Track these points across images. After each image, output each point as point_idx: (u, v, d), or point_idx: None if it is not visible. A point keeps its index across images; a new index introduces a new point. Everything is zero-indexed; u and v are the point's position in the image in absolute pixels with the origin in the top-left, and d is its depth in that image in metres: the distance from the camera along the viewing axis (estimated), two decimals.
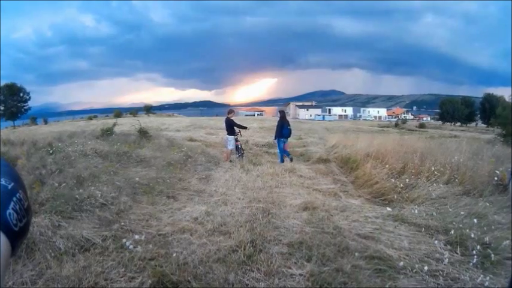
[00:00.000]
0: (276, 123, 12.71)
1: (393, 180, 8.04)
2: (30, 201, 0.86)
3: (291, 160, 12.24)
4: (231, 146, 12.94)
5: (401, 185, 7.61)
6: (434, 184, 7.70)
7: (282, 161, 12.41)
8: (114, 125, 15.41)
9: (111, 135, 13.82)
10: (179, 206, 6.50)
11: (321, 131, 35.70)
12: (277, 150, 13.33)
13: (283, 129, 12.37)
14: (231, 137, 12.90)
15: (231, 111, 13.51)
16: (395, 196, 7.29)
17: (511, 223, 5.26)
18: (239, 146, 13.29)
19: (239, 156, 13.07)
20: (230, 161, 12.60)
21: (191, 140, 20.29)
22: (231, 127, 12.85)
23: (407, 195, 7.30)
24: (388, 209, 6.34)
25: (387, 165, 9.15)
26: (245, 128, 13.70)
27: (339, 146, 16.03)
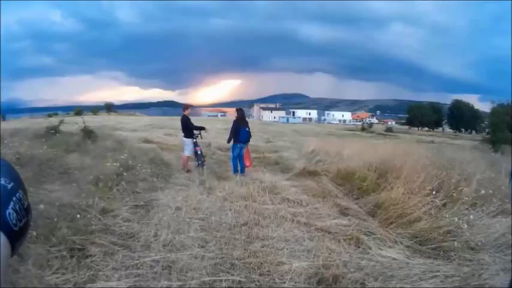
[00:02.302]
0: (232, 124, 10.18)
1: (446, 215, 5.25)
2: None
3: (241, 172, 9.88)
4: (188, 151, 10.40)
5: (465, 223, 4.89)
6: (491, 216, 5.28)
7: (236, 170, 9.92)
8: (61, 122, 13.21)
9: (55, 135, 11.87)
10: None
11: (291, 134, 34.14)
12: (230, 158, 10.52)
13: (240, 132, 9.90)
14: (188, 140, 10.38)
15: (186, 107, 10.91)
16: (456, 243, 4.51)
17: (511, 224, 4.71)
18: (199, 152, 10.61)
19: (199, 165, 10.44)
20: (187, 171, 10.13)
21: (146, 141, 18.01)
22: (187, 127, 10.38)
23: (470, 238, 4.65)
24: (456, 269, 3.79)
25: (415, 185, 6.37)
26: (203, 128, 11.03)
27: (320, 153, 13.54)
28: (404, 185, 6.54)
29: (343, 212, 6.32)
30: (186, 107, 10.86)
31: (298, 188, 8.06)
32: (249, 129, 10.06)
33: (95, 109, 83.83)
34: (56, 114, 73.99)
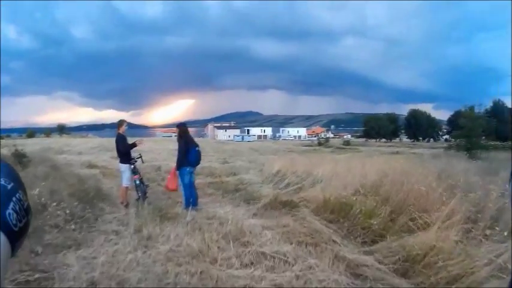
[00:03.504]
0: (178, 145, 8.19)
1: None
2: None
3: (193, 205, 7.80)
4: (125, 180, 8.30)
5: None
6: None
7: (189, 203, 7.75)
8: None
9: None
10: None
11: (248, 153, 32.61)
12: (180, 187, 8.15)
13: (190, 153, 7.91)
14: (125, 166, 8.27)
15: (121, 124, 8.54)
16: None
17: (511, 223, 4.25)
18: (137, 181, 8.42)
19: (139, 198, 8.29)
20: (126, 205, 8.04)
21: (89, 165, 16.48)
22: (123, 149, 8.37)
23: None
24: None
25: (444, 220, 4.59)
26: (134, 146, 8.67)
27: (287, 174, 11.60)
28: (426, 217, 4.88)
29: (355, 272, 4.24)
30: (121, 123, 8.52)
31: (273, 230, 5.84)
32: (198, 148, 8.09)
33: (47, 131, 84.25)
34: (9, 136, 75.06)
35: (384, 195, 6.31)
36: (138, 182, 8.35)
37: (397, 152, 33.79)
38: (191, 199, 7.77)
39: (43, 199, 6.12)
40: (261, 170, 14.67)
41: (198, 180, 10.73)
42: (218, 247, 4.91)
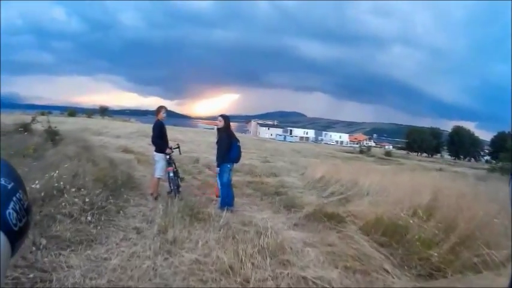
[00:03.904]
0: (218, 137, 7.30)
1: None
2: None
3: (229, 205, 7.00)
4: (158, 171, 7.59)
5: None
6: None
7: (225, 204, 6.92)
8: (33, 120, 12.30)
9: (22, 133, 11.04)
10: None
11: (290, 153, 31.55)
12: (217, 184, 7.29)
13: (232, 148, 7.09)
14: (159, 156, 7.54)
15: (159, 110, 7.80)
16: None
17: (511, 224, 3.89)
18: (172, 175, 7.64)
19: (171, 192, 7.62)
20: (156, 198, 7.35)
21: (125, 150, 15.60)
22: (159, 138, 7.63)
23: None
24: None
25: None
26: (165, 147, 7.64)
27: (331, 181, 10.62)
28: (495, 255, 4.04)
29: None
30: (159, 110, 7.80)
31: (317, 247, 4.97)
32: (239, 143, 7.31)
33: (89, 112, 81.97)
34: (50, 113, 74.35)
35: (445, 222, 5.26)
36: (171, 174, 7.61)
37: (441, 169, 31.94)
38: (227, 199, 6.98)
39: (62, 183, 5.43)
40: (303, 174, 13.89)
41: (237, 178, 9.96)
42: (252, 264, 4.12)
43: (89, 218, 4.98)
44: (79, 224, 4.74)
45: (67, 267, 3.59)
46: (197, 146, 23.16)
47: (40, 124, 11.58)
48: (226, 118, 7.38)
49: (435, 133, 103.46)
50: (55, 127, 11.34)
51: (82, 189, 5.55)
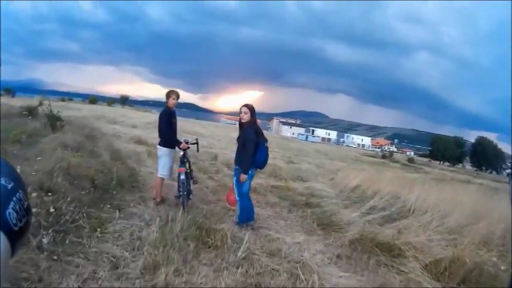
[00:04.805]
0: (241, 134, 5.59)
1: None
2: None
3: (250, 220, 5.50)
4: (161, 169, 6.04)
5: None
6: None
7: (246, 219, 5.42)
8: (40, 104, 11.79)
9: (27, 117, 11.12)
10: None
11: (314, 154, 30.46)
12: (234, 193, 5.55)
13: (259, 151, 5.33)
14: (163, 150, 6.11)
15: (169, 95, 6.15)
16: None
17: (511, 224, 4.14)
18: (183, 177, 5.87)
19: (179, 197, 5.96)
20: (158, 204, 5.82)
21: (138, 141, 14.25)
22: (168, 127, 6.05)
23: None
24: None
25: None
26: (176, 143, 6.15)
27: (369, 193, 8.93)
28: None
29: None
30: (168, 94, 6.17)
31: None
32: (267, 143, 5.54)
33: (110, 100, 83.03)
34: (71, 99, 77.18)
35: None
36: (183, 176, 5.86)
37: (469, 181, 30.03)
38: (248, 212, 5.40)
39: (26, 182, 3.86)
40: (332, 180, 12.21)
41: (259, 181, 8.40)
42: None
43: (45, 241, 3.22)
44: (24, 253, 2.96)
45: None
46: (217, 141, 22.27)
47: (41, 108, 11.29)
48: (253, 110, 5.64)
49: (459, 142, 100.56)
50: (57, 112, 10.54)
51: (50, 193, 3.92)
